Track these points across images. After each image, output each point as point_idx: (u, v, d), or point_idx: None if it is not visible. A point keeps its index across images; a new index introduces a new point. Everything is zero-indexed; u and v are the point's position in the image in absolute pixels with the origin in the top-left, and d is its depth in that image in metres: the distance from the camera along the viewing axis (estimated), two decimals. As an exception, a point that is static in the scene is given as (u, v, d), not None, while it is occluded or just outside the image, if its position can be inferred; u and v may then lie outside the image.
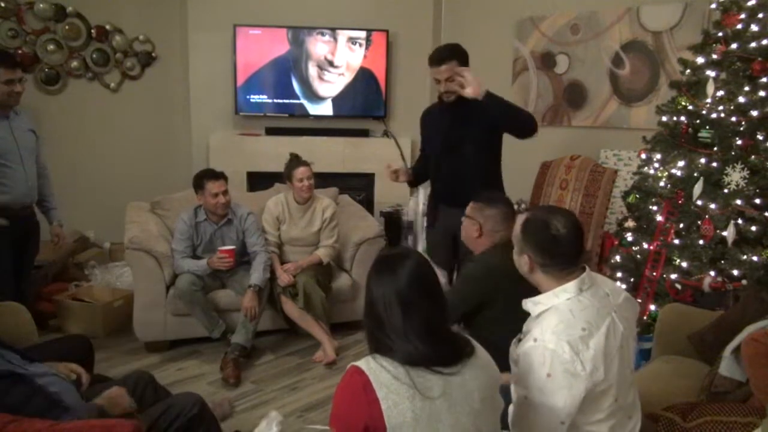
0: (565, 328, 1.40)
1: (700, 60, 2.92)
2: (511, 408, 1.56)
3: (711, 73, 2.83)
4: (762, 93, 2.62)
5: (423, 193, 4.30)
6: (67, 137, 4.47)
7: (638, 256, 3.01)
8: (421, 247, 4.20)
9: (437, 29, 5.16)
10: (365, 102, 4.98)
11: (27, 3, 4.25)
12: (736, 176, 2.63)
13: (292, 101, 4.90)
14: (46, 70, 4.39)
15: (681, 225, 2.85)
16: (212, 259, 3.11)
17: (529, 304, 1.54)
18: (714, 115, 2.77)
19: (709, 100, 2.80)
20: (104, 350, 3.19)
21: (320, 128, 4.98)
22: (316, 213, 3.42)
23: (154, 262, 3.16)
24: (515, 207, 2.86)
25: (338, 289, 3.44)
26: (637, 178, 3.17)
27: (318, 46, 4.80)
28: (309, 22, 4.78)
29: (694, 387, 2.05)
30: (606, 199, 3.81)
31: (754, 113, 2.62)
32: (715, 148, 2.74)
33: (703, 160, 2.76)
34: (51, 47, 4.37)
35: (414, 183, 3.19)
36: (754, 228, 2.59)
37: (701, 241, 2.71)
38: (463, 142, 2.80)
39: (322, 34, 4.79)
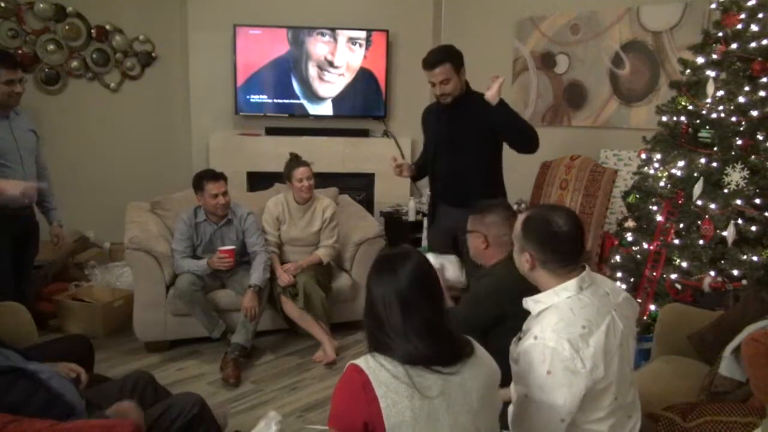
0: (565, 326, 1.40)
1: (700, 60, 2.92)
2: (510, 407, 1.56)
3: (711, 73, 2.83)
4: (762, 93, 2.62)
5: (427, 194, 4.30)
6: (67, 137, 4.47)
7: (638, 256, 3.01)
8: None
9: (437, 29, 5.16)
10: (365, 102, 4.98)
11: (27, 3, 4.25)
12: (736, 176, 2.63)
13: (292, 101, 4.90)
14: (46, 70, 4.39)
15: (681, 225, 2.85)
16: (212, 259, 3.11)
17: (529, 303, 1.54)
18: (714, 115, 2.77)
19: (709, 100, 2.80)
20: (104, 350, 3.19)
21: (320, 128, 4.99)
22: (316, 213, 3.42)
23: (154, 262, 3.16)
24: (515, 207, 2.87)
25: (338, 289, 3.44)
26: (637, 178, 3.17)
27: (318, 46, 4.80)
28: (309, 22, 4.78)
29: (694, 387, 2.05)
30: (606, 199, 3.82)
31: (754, 113, 2.62)
32: (715, 148, 2.74)
33: (703, 160, 2.76)
34: (51, 47, 4.38)
35: (416, 178, 3.18)
36: (754, 228, 2.59)
37: (701, 241, 2.71)
38: (462, 142, 2.79)
39: (322, 35, 4.79)
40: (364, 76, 4.91)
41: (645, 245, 2.98)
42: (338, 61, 4.85)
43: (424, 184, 3.31)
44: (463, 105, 2.70)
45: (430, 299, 1.34)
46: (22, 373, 1.64)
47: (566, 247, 1.49)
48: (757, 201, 2.60)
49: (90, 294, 3.62)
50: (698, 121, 2.87)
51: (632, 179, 3.32)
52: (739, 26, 2.76)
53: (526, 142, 2.76)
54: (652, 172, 3.05)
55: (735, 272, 2.59)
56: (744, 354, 1.78)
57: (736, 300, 2.50)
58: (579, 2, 4.33)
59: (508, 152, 2.94)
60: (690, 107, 2.91)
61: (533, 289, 1.59)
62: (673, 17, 3.86)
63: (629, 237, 3.09)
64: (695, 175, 2.77)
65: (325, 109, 4.96)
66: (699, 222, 2.74)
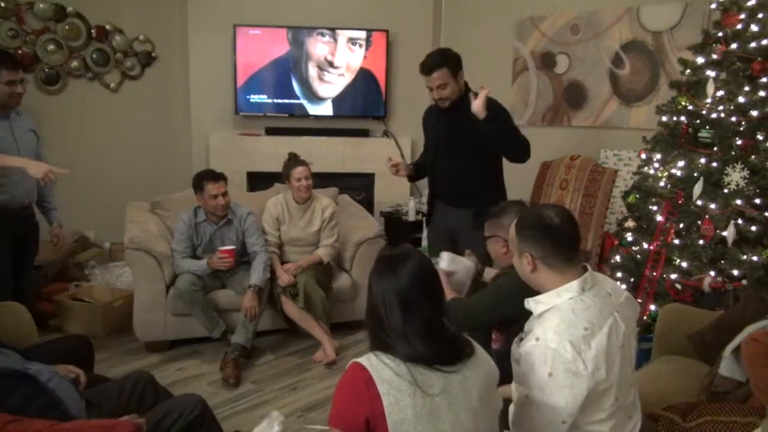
0: (567, 328, 1.39)
1: (700, 60, 2.92)
2: (511, 407, 1.56)
3: (711, 73, 2.83)
4: (762, 93, 2.62)
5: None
6: (67, 137, 4.47)
7: (638, 256, 3.01)
8: None
9: (437, 29, 5.17)
10: (365, 102, 4.99)
11: (27, 3, 4.25)
12: (736, 176, 2.63)
13: (292, 101, 4.90)
14: (46, 70, 4.39)
15: (681, 225, 2.85)
16: (212, 259, 3.11)
17: (531, 303, 1.53)
18: (714, 115, 2.77)
19: (709, 100, 2.80)
20: (104, 350, 3.19)
21: (320, 128, 4.99)
22: (315, 213, 3.42)
23: (154, 262, 3.16)
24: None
25: (338, 289, 3.44)
26: (637, 178, 3.17)
27: (318, 46, 4.80)
28: (309, 22, 4.78)
29: (694, 387, 2.05)
30: (606, 199, 3.82)
31: (754, 113, 2.62)
32: (715, 148, 2.74)
33: (703, 160, 2.76)
34: (51, 47, 4.38)
35: (414, 177, 3.17)
36: (754, 228, 2.59)
37: (701, 241, 2.71)
38: (461, 144, 2.78)
39: (322, 35, 4.79)
40: (364, 76, 4.91)
41: (645, 245, 2.98)
42: (338, 61, 4.85)
43: (424, 184, 3.31)
44: (462, 107, 2.70)
45: (431, 299, 1.34)
46: (22, 376, 1.64)
47: (563, 238, 1.49)
48: (757, 201, 2.60)
49: (90, 294, 3.62)
50: (698, 121, 2.87)
51: (632, 179, 3.32)
52: (739, 26, 2.76)
53: (515, 153, 2.76)
54: (652, 172, 3.05)
55: (735, 272, 2.59)
56: (744, 354, 1.78)
57: (736, 300, 2.50)
58: (579, 2, 4.33)
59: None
60: (690, 107, 2.91)
61: None
62: (673, 17, 3.87)
63: (629, 237, 3.09)
64: (695, 175, 2.77)
65: (325, 109, 4.96)
66: (699, 222, 2.74)
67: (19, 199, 2.76)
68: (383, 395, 1.23)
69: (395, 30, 4.93)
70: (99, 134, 4.69)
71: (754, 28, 2.70)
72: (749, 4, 2.74)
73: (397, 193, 5.00)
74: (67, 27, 4.43)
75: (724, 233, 2.63)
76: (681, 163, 2.87)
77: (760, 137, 2.62)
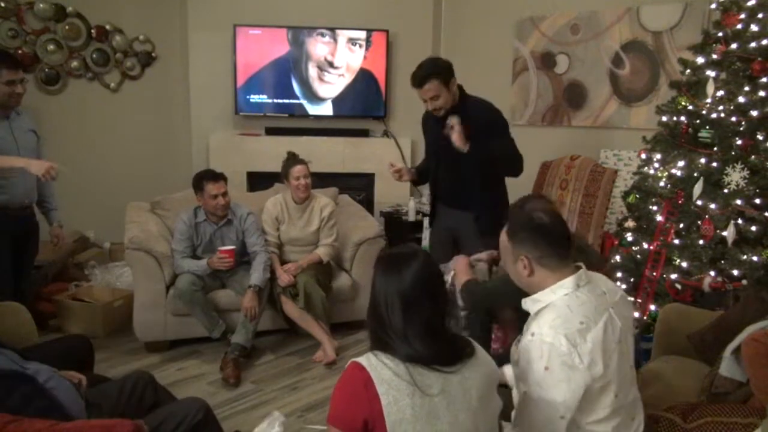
0: (562, 323, 1.40)
1: (700, 60, 2.91)
2: (514, 393, 1.57)
3: (711, 73, 2.82)
4: (762, 93, 2.62)
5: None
6: (67, 137, 4.47)
7: (638, 256, 3.01)
8: None
9: (437, 29, 5.17)
10: (365, 102, 4.98)
11: (27, 3, 4.25)
12: (736, 176, 2.63)
13: (292, 101, 4.90)
14: (46, 70, 4.39)
15: (681, 225, 2.85)
16: (212, 259, 3.11)
17: (528, 303, 1.53)
18: (714, 115, 2.77)
19: (709, 100, 2.80)
20: (104, 350, 3.19)
21: (320, 128, 4.99)
22: (314, 212, 3.42)
23: (154, 262, 3.16)
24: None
25: (338, 289, 3.44)
26: (637, 178, 3.17)
27: (318, 47, 4.80)
28: (309, 22, 4.78)
29: (694, 387, 2.05)
30: (606, 199, 3.82)
31: (754, 113, 2.62)
32: (715, 148, 2.74)
33: (703, 160, 2.76)
34: (51, 47, 4.38)
35: (418, 182, 3.16)
36: (754, 228, 2.59)
37: (701, 241, 2.71)
38: (456, 150, 2.78)
39: (322, 35, 4.79)
40: (364, 76, 4.91)
41: (645, 245, 2.98)
42: (338, 61, 4.85)
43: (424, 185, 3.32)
44: (458, 114, 2.69)
45: (433, 300, 1.33)
46: (21, 377, 1.64)
47: (557, 235, 1.50)
48: (757, 201, 2.60)
49: (90, 294, 3.62)
50: (698, 121, 2.87)
51: (632, 179, 3.32)
52: (739, 26, 2.75)
53: (507, 170, 2.79)
54: (652, 172, 3.05)
55: (735, 272, 2.59)
56: (744, 354, 1.78)
57: (736, 300, 2.50)
58: (579, 2, 4.33)
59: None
60: (690, 107, 2.91)
61: None
62: (673, 17, 3.87)
63: (629, 237, 3.09)
64: (695, 175, 2.77)
65: (325, 109, 4.96)
66: (699, 222, 2.74)
67: (19, 199, 2.76)
68: (382, 395, 1.23)
69: (395, 30, 4.93)
70: (99, 134, 4.69)
71: (754, 28, 2.70)
72: (749, 4, 2.74)
73: (397, 193, 4.99)
74: (67, 27, 4.43)
75: (724, 233, 2.63)
76: (681, 163, 2.86)
77: (760, 137, 2.62)
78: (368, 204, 4.95)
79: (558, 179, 4.11)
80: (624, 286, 2.95)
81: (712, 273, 2.64)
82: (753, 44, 2.67)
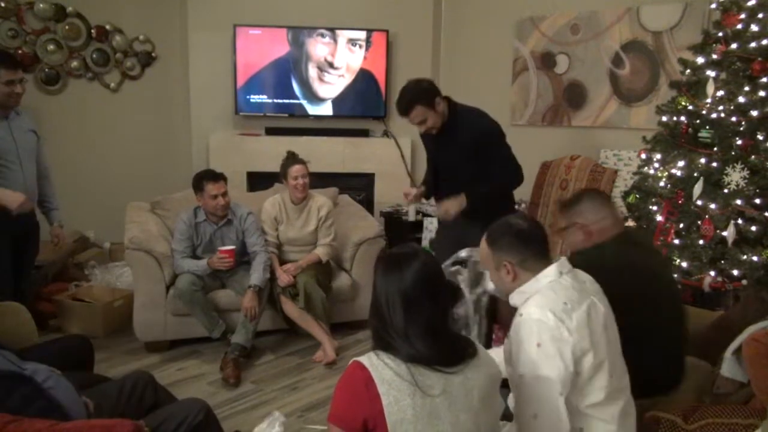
0: (548, 302, 1.47)
1: (700, 60, 2.92)
2: (510, 399, 1.57)
3: (711, 73, 2.83)
4: (762, 93, 2.62)
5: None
6: (67, 137, 4.47)
7: (638, 256, 3.01)
8: None
9: (437, 29, 5.16)
10: (365, 102, 4.98)
11: (27, 3, 4.25)
12: (736, 176, 2.63)
13: (292, 101, 4.90)
14: (46, 70, 4.39)
15: (681, 225, 2.85)
16: (212, 259, 3.11)
17: (515, 296, 1.58)
18: (714, 115, 2.78)
19: (709, 100, 2.80)
20: (104, 350, 3.19)
21: (320, 128, 4.98)
22: (311, 212, 3.42)
23: (154, 262, 3.16)
24: (516, 208, 2.85)
25: (338, 289, 3.44)
26: (637, 178, 3.17)
27: (318, 47, 4.80)
28: (309, 23, 4.78)
29: (694, 388, 2.04)
30: (606, 199, 3.81)
31: (754, 113, 2.62)
32: (715, 148, 2.74)
33: (703, 160, 2.76)
34: (51, 47, 4.37)
35: (428, 196, 3.17)
36: (754, 228, 2.59)
37: (701, 241, 2.71)
38: (457, 163, 2.80)
39: (322, 36, 4.79)
40: (364, 77, 4.91)
41: (645, 245, 2.97)
42: (338, 62, 4.85)
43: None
44: (451, 129, 2.70)
45: (434, 300, 1.34)
46: (19, 378, 1.64)
47: (536, 238, 1.57)
48: (757, 201, 2.60)
49: (90, 294, 3.62)
50: (698, 121, 2.87)
51: (632, 179, 3.32)
52: (739, 26, 2.76)
53: (506, 192, 2.87)
54: (652, 172, 3.05)
55: (735, 272, 2.59)
56: (745, 354, 1.77)
57: (736, 300, 2.50)
58: (579, 2, 4.33)
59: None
60: (690, 107, 2.91)
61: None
62: (673, 17, 3.86)
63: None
64: (695, 175, 2.77)
65: (325, 109, 4.96)
66: (699, 222, 2.74)
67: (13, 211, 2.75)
68: (383, 395, 1.23)
69: (395, 30, 4.93)
70: (99, 134, 4.69)
71: (754, 28, 2.70)
72: (749, 4, 2.74)
73: (397, 194, 4.96)
74: (67, 27, 4.43)
75: (724, 233, 2.63)
76: (681, 163, 2.87)
77: (760, 137, 2.62)
78: (368, 204, 4.95)
79: (558, 179, 4.11)
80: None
81: (712, 273, 2.64)
82: (753, 44, 2.67)
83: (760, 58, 2.63)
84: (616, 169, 3.97)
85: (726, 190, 2.66)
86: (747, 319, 2.01)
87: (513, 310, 1.55)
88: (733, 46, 2.76)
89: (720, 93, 2.77)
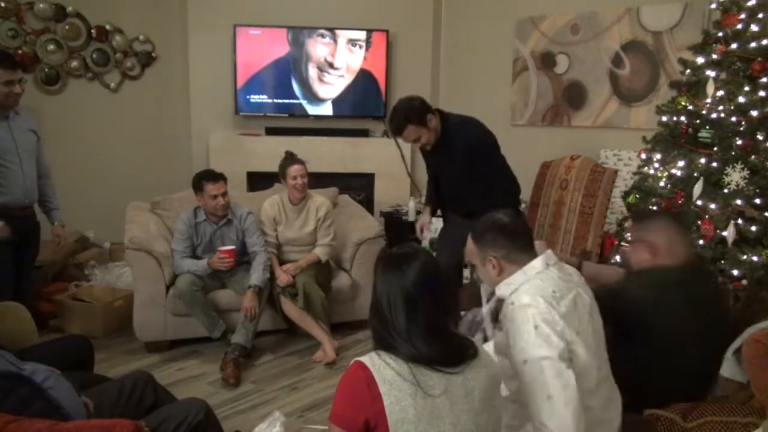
0: (537, 290, 1.51)
1: (700, 60, 2.91)
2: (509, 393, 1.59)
3: (711, 73, 2.82)
4: (762, 93, 2.62)
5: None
6: (67, 137, 4.47)
7: (638, 256, 3.01)
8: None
9: (437, 29, 5.17)
10: (365, 103, 4.98)
11: (27, 3, 4.25)
12: (736, 176, 2.63)
13: (292, 101, 4.90)
14: (46, 70, 4.39)
15: (681, 225, 2.85)
16: (212, 259, 3.11)
17: (502, 287, 1.60)
18: (714, 115, 2.77)
19: (709, 100, 2.80)
20: (104, 350, 3.19)
21: (320, 128, 4.99)
22: (310, 213, 3.42)
23: (154, 262, 3.16)
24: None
25: (338, 289, 3.44)
26: (637, 178, 3.17)
27: (318, 47, 4.80)
28: (309, 23, 4.78)
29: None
30: (606, 199, 3.81)
31: (754, 113, 2.62)
32: (715, 148, 2.74)
33: (703, 160, 2.76)
34: (51, 47, 4.38)
35: (435, 212, 3.22)
36: (754, 228, 2.58)
37: (701, 241, 2.71)
38: (454, 173, 2.84)
39: (322, 36, 4.79)
40: (364, 77, 4.91)
41: (645, 245, 2.97)
42: (338, 62, 4.85)
43: (424, 185, 3.35)
44: (446, 143, 2.72)
45: (434, 300, 1.34)
46: (18, 378, 1.64)
47: (519, 231, 1.62)
48: (757, 201, 2.59)
49: (90, 294, 3.62)
50: (698, 121, 2.87)
51: (632, 179, 3.32)
52: (739, 26, 2.75)
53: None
54: (652, 172, 3.05)
55: (735, 272, 2.59)
56: (745, 355, 1.77)
57: (736, 300, 2.50)
58: (579, 2, 4.33)
59: (508, 153, 2.95)
60: (690, 107, 2.90)
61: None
62: (673, 17, 3.87)
63: (629, 237, 3.09)
64: (695, 175, 2.77)
65: (325, 109, 4.96)
66: (699, 222, 2.74)
67: (19, 199, 2.76)
68: (384, 395, 1.23)
69: (395, 30, 4.93)
70: (99, 134, 4.69)
71: (754, 28, 2.69)
72: (749, 4, 2.74)
73: (397, 193, 5.00)
74: (67, 27, 4.43)
75: (724, 233, 2.62)
76: (681, 163, 2.86)
77: (760, 137, 2.61)
78: (368, 204, 4.95)
79: (558, 179, 4.10)
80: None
81: (712, 273, 2.64)
82: (753, 44, 2.67)
83: (760, 58, 2.63)
84: (616, 169, 3.96)
85: (726, 190, 2.66)
86: (747, 320, 2.01)
87: (478, 295, 1.60)
88: (733, 46, 2.75)
89: (720, 93, 2.77)
